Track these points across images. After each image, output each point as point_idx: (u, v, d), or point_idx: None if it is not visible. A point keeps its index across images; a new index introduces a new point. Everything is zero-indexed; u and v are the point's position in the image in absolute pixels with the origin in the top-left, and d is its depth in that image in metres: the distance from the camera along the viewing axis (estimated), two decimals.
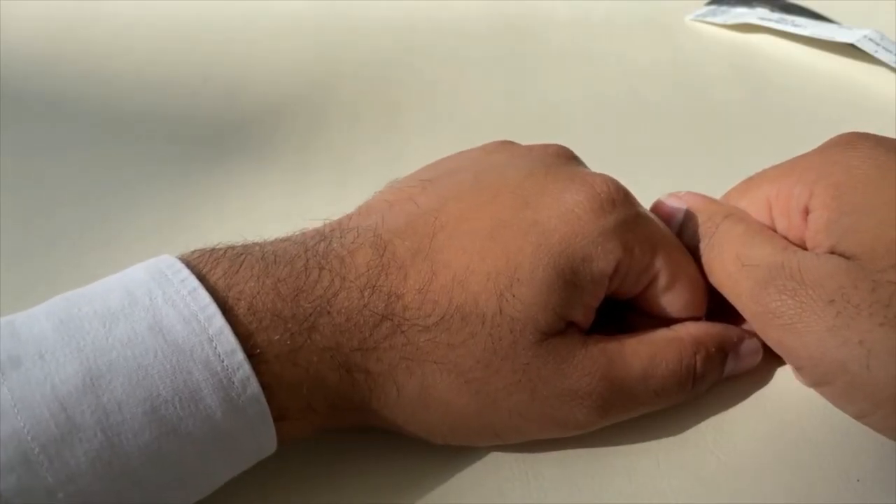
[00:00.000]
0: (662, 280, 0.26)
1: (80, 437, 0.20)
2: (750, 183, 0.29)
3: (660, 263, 0.26)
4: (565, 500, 0.25)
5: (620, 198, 0.26)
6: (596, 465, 0.26)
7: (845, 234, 0.24)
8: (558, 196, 0.25)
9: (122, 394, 0.20)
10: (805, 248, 0.26)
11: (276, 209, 0.36)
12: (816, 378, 0.24)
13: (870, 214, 0.24)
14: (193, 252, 0.24)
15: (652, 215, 0.27)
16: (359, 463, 0.26)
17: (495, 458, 0.26)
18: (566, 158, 0.29)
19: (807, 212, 0.26)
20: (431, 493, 0.25)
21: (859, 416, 0.24)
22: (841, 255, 0.24)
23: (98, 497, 0.20)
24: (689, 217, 0.28)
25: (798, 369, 0.25)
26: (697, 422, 0.27)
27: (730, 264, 0.26)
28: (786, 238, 0.27)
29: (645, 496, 0.25)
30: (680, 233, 0.28)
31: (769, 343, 0.26)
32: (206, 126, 0.42)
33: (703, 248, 0.27)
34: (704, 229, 0.28)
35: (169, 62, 0.47)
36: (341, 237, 0.25)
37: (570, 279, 0.24)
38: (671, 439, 0.27)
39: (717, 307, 0.28)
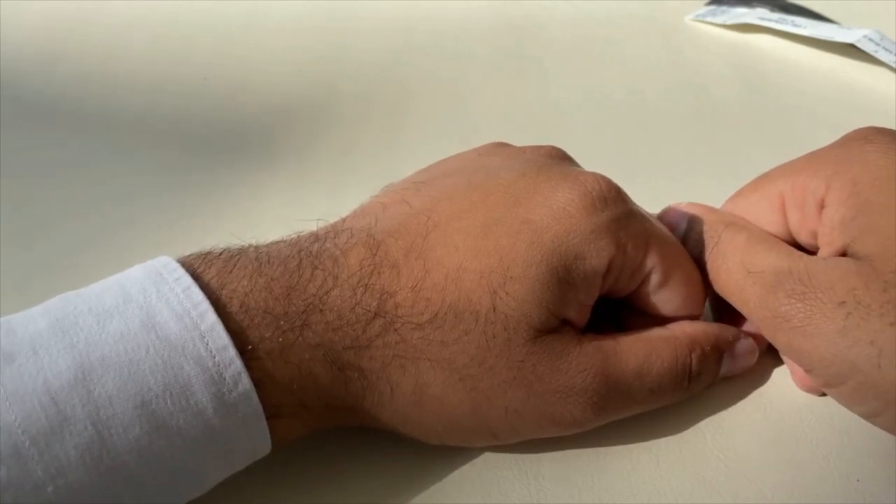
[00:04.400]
0: (656, 277, 0.26)
1: (71, 431, 0.20)
2: (764, 178, 0.29)
3: (653, 260, 0.26)
4: (565, 500, 0.25)
5: (612, 195, 0.26)
6: (596, 465, 0.26)
7: (861, 233, 0.24)
8: (550, 195, 0.25)
9: (113, 388, 0.21)
10: (816, 242, 0.26)
11: (276, 210, 0.36)
12: (827, 379, 0.24)
13: (885, 214, 0.24)
14: (190, 255, 0.24)
15: (645, 212, 0.27)
16: (357, 463, 0.26)
17: (494, 457, 0.26)
18: (558, 158, 0.29)
19: (822, 206, 0.26)
20: (430, 493, 0.25)
21: (869, 416, 0.24)
22: (854, 254, 0.24)
23: (88, 492, 0.20)
24: (690, 227, 0.28)
25: (809, 371, 0.25)
26: (697, 422, 0.27)
27: (735, 272, 0.26)
28: (798, 231, 0.27)
29: (645, 496, 0.25)
30: (682, 244, 0.28)
31: (779, 347, 0.26)
32: (206, 126, 0.42)
33: (707, 257, 0.27)
34: (706, 239, 0.28)
35: (169, 62, 0.47)
36: (335, 238, 0.25)
37: (563, 277, 0.24)
38: (671, 439, 0.27)
39: (717, 311, 0.29)
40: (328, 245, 0.25)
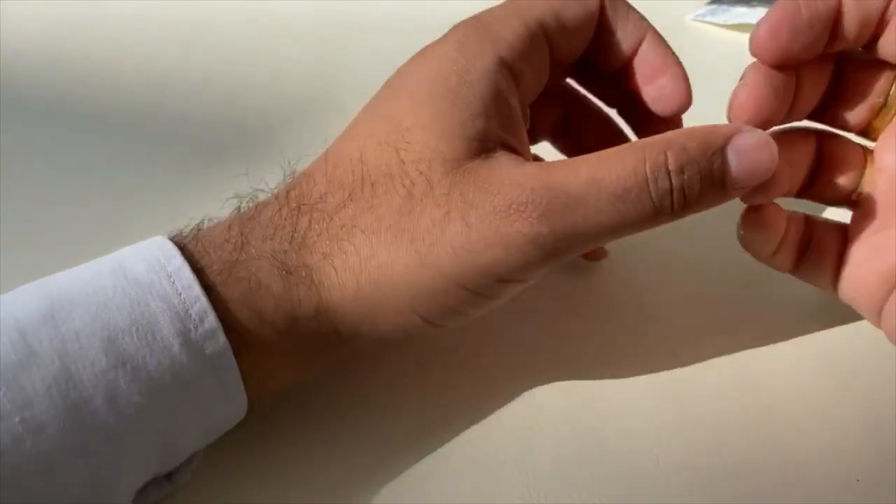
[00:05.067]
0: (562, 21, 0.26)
1: (38, 364, 0.20)
2: None
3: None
4: (565, 500, 0.25)
5: (461, 22, 0.26)
6: (596, 465, 0.26)
7: None
8: (415, 56, 0.26)
9: (80, 324, 0.21)
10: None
11: None
12: None
13: None
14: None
15: None
16: (356, 463, 0.26)
17: (494, 457, 0.26)
18: None
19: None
20: (430, 493, 0.25)
21: None
22: None
23: (53, 428, 0.20)
24: None
25: None
26: (697, 421, 0.27)
27: None
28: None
29: (645, 496, 0.25)
30: None
31: None
32: (206, 126, 0.42)
33: None
34: None
35: (169, 62, 0.47)
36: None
37: (453, 97, 0.24)
38: (671, 439, 0.27)
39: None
40: (264, 195, 0.26)
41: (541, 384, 0.28)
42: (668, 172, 0.23)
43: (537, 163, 0.24)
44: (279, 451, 0.26)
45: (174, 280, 0.22)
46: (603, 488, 0.25)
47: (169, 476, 0.24)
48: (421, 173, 0.24)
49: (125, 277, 0.22)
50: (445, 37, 0.26)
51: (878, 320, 0.26)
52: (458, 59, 0.25)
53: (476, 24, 0.26)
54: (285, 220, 0.24)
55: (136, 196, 0.37)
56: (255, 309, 0.23)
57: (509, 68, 0.25)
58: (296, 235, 0.24)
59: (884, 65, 0.26)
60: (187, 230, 0.25)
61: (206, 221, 0.26)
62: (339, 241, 0.24)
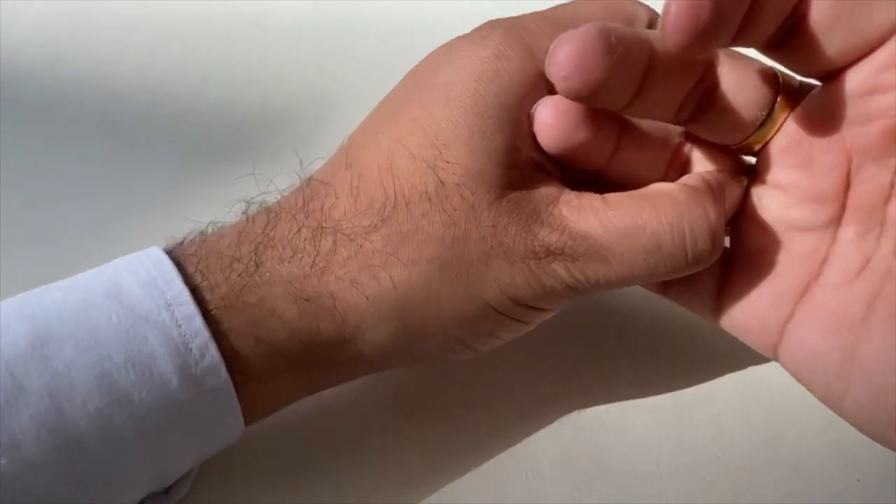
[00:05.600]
0: None
1: (27, 402, 0.19)
2: None
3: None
4: (565, 500, 0.25)
5: (495, 21, 0.24)
6: (596, 465, 0.26)
7: None
8: (448, 54, 0.24)
9: (71, 357, 0.20)
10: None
11: None
12: None
13: None
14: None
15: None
16: (355, 464, 0.26)
17: (494, 457, 0.26)
18: None
19: None
20: (431, 492, 0.25)
21: None
22: None
23: (44, 467, 0.19)
24: None
25: None
26: (697, 422, 0.27)
27: None
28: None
29: (645, 496, 0.25)
30: None
31: None
32: (206, 127, 0.42)
33: None
34: None
35: (169, 62, 0.47)
36: (278, 195, 0.25)
37: (497, 118, 0.22)
38: (671, 439, 0.27)
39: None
40: (272, 198, 0.25)
41: (541, 386, 0.28)
42: (712, 227, 0.22)
43: (573, 201, 0.23)
44: (279, 461, 0.26)
45: (173, 309, 0.21)
46: (603, 489, 0.25)
47: (167, 490, 0.24)
48: (464, 199, 0.22)
49: (120, 304, 0.21)
50: (482, 39, 0.24)
51: (772, 352, 0.24)
52: (499, 72, 0.23)
53: (516, 30, 0.24)
54: (305, 241, 0.23)
55: (136, 196, 0.37)
56: (263, 338, 0.22)
57: (546, 82, 0.23)
58: (318, 259, 0.22)
59: (767, 74, 0.23)
60: (189, 239, 0.23)
61: (210, 228, 0.24)
62: (372, 268, 0.22)
